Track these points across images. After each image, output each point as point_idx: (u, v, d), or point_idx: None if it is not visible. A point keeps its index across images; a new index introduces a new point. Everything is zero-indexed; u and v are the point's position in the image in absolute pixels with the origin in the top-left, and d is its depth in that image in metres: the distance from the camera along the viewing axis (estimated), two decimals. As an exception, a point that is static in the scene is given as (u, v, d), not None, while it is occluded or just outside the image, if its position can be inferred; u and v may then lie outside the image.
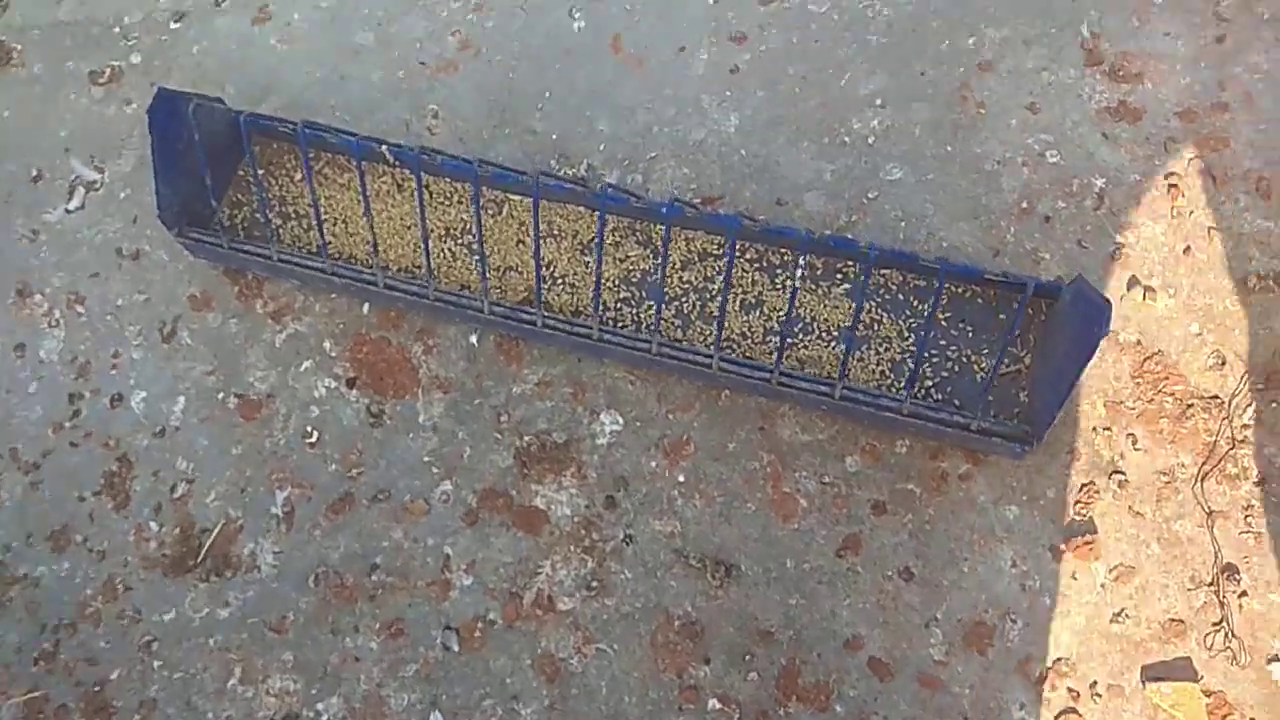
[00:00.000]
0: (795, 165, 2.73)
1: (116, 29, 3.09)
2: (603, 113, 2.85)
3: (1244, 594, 2.29)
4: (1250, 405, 2.40)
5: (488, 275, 2.61)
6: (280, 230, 2.78)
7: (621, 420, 2.57)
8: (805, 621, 2.39)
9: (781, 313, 2.57)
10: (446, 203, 2.77)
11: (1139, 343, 2.48)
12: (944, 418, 2.36)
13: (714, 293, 2.61)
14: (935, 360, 2.50)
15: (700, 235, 2.66)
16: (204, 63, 3.03)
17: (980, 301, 2.52)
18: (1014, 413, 2.43)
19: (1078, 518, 2.38)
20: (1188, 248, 2.53)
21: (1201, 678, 2.26)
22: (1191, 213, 2.56)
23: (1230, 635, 2.27)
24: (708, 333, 2.58)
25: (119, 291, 2.80)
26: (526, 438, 2.58)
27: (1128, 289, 2.52)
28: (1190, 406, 2.42)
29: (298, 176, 2.83)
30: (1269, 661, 2.25)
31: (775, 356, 2.41)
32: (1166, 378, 2.44)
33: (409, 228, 2.75)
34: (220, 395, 2.69)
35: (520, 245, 2.71)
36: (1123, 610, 2.32)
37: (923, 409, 2.37)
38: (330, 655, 2.47)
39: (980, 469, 2.43)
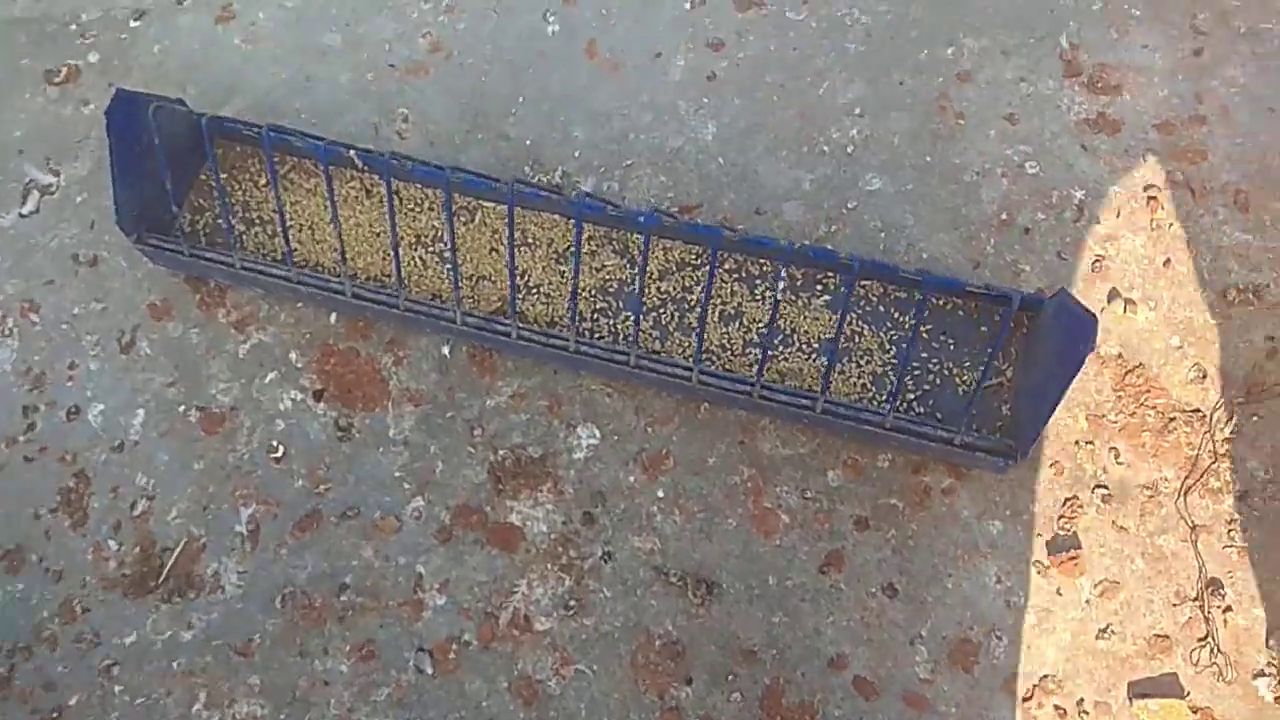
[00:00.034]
0: (774, 174, 2.69)
1: (73, 26, 2.99)
2: (578, 118, 2.80)
3: (1229, 609, 2.28)
4: (1232, 419, 2.40)
5: (460, 285, 2.55)
6: (244, 237, 2.71)
7: (599, 434, 2.52)
8: (788, 640, 2.35)
9: (761, 324, 2.54)
10: (417, 209, 2.70)
11: (1120, 355, 2.46)
12: (927, 432, 2.33)
13: (692, 303, 2.57)
14: (917, 373, 2.47)
15: (678, 245, 2.62)
16: (165, 62, 2.94)
17: (961, 314, 2.50)
18: (996, 426, 2.40)
19: (1062, 532, 2.36)
20: (1168, 260, 2.53)
21: (1188, 694, 2.24)
22: (1171, 225, 2.56)
23: (1216, 651, 2.26)
24: (686, 344, 2.53)
25: (75, 300, 2.71)
26: (501, 452, 2.52)
27: (1108, 301, 2.50)
28: (1172, 420, 2.41)
29: (262, 181, 2.76)
30: (1255, 677, 2.24)
31: (756, 370, 2.37)
32: (1148, 391, 2.43)
33: (378, 235, 2.68)
34: (181, 408, 2.61)
35: (494, 254, 2.65)
36: (1108, 626, 2.30)
37: (905, 423, 2.34)
38: (299, 679, 2.40)
39: (963, 483, 2.41)
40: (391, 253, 2.51)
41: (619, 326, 2.57)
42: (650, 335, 2.55)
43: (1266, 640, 2.26)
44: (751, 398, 2.39)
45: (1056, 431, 2.41)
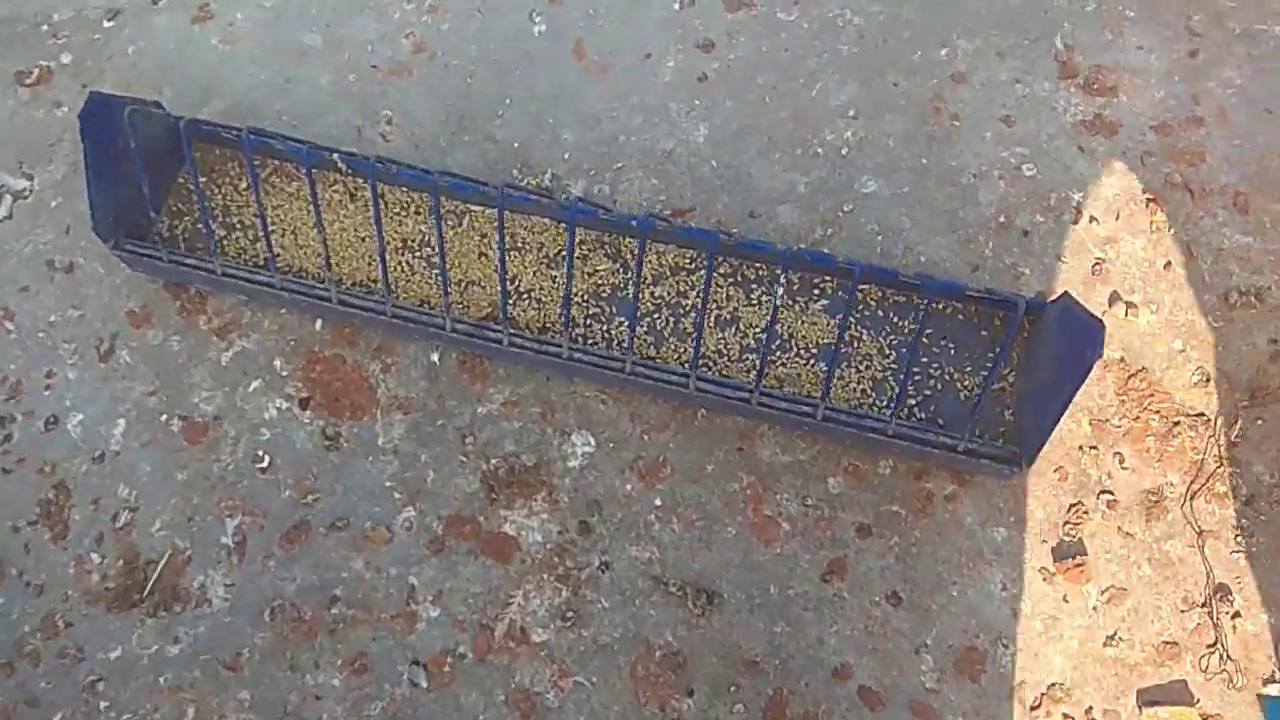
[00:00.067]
0: (768, 177, 2.65)
1: (45, 26, 2.91)
2: (566, 120, 2.75)
3: (1237, 615, 2.26)
4: (1236, 423, 2.38)
5: (449, 290, 2.49)
6: (224, 242, 2.64)
7: (594, 441, 2.47)
8: (791, 650, 2.31)
9: (757, 329, 2.49)
10: (403, 213, 2.64)
11: (1123, 360, 2.44)
12: (930, 438, 2.29)
13: (687, 308, 2.52)
14: (918, 378, 2.43)
15: (671, 249, 2.57)
16: (140, 63, 2.87)
17: (961, 318, 2.46)
18: (999, 431, 2.37)
19: (1067, 539, 2.33)
20: (1168, 263, 2.50)
21: (1198, 701, 2.22)
22: (1170, 228, 2.54)
23: (1225, 657, 2.24)
24: (682, 350, 2.49)
25: (52, 307, 2.63)
26: (494, 460, 2.47)
27: (1109, 305, 2.48)
28: (1176, 424, 2.39)
29: (243, 185, 2.69)
30: (1265, 683, 2.22)
31: (755, 376, 2.33)
32: (1152, 395, 2.41)
33: (363, 239, 2.62)
34: (163, 417, 2.54)
35: (483, 258, 2.60)
36: (1116, 633, 2.27)
37: (908, 430, 2.30)
38: (290, 694, 2.33)
39: (966, 490, 2.37)
40: (378, 258, 2.45)
41: (613, 332, 2.52)
42: (645, 341, 2.50)
43: (1276, 646, 2.24)
44: (750, 404, 2.34)
45: (1060, 437, 2.38)
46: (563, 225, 2.59)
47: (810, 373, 2.45)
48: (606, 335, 2.52)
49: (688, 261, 2.56)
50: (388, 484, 2.46)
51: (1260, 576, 2.28)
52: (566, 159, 2.71)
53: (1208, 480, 2.34)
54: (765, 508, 2.39)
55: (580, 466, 2.45)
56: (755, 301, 2.52)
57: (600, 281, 2.56)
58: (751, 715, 2.27)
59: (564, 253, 2.57)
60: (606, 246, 2.59)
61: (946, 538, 2.35)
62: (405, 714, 2.31)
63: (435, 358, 2.55)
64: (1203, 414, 2.39)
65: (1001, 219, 2.57)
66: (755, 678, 2.30)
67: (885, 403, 2.42)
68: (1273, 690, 2.21)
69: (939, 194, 2.61)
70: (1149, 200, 2.56)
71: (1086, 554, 2.31)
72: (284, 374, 2.55)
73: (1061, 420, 2.29)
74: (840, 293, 2.50)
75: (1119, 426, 2.40)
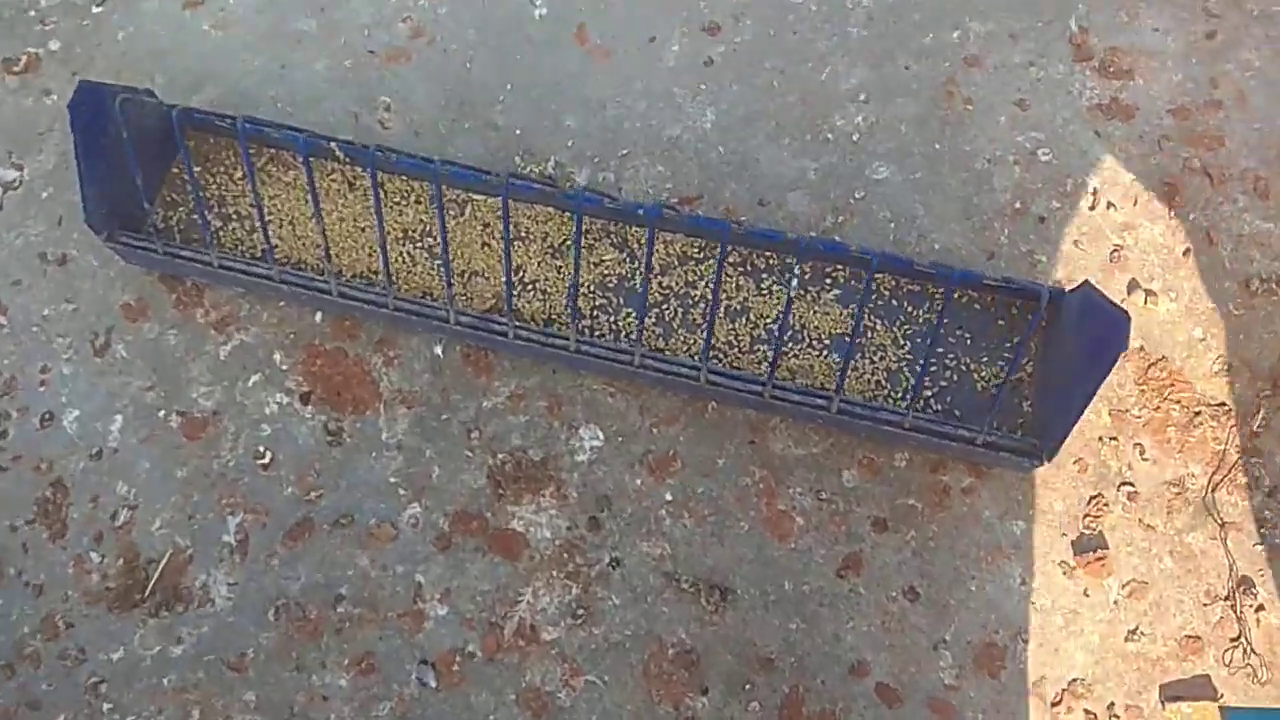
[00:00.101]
0: (776, 163, 2.60)
1: (32, 12, 2.83)
2: (569, 106, 2.69)
3: (1261, 608, 2.22)
4: (1259, 412, 2.34)
5: (453, 282, 2.43)
6: (220, 233, 2.58)
7: (602, 435, 2.42)
8: (807, 647, 2.26)
9: (768, 319, 2.44)
10: (403, 202, 2.58)
11: (1142, 349, 2.39)
12: (948, 431, 2.24)
13: (695, 299, 2.47)
14: (933, 369, 2.39)
15: (679, 237, 2.51)
16: (130, 50, 2.79)
17: (977, 307, 2.42)
18: (1017, 423, 2.33)
19: (1087, 532, 2.29)
20: (1187, 249, 2.46)
21: (1222, 696, 2.18)
22: (1189, 214, 2.49)
23: (1249, 651, 2.20)
24: (691, 341, 2.44)
25: (45, 300, 2.56)
26: (500, 455, 2.41)
27: (1128, 292, 2.43)
28: (1198, 414, 2.34)
29: (238, 174, 2.62)
30: (1289, 678, 2.19)
31: (768, 368, 2.28)
32: (1172, 385, 2.36)
33: (363, 229, 2.56)
34: (161, 413, 2.48)
35: (485, 248, 2.54)
36: (1138, 627, 2.23)
37: (926, 423, 2.26)
38: (296, 694, 2.28)
39: (984, 482, 2.33)
40: (379, 249, 2.39)
41: (620, 323, 2.46)
42: (653, 332, 2.45)
43: (1302, 640, 2.21)
44: (763, 398, 2.29)
45: (1080, 428, 2.31)
46: (567, 214, 2.53)
47: (823, 364, 2.40)
48: (614, 327, 2.46)
49: (696, 250, 2.51)
50: (392, 480, 2.41)
51: (1284, 569, 2.25)
52: (570, 146, 2.65)
53: (1230, 471, 2.30)
54: (778, 502, 2.35)
55: (589, 461, 2.40)
56: (765, 291, 2.46)
57: (607, 271, 2.50)
58: (767, 713, 2.23)
59: (568, 242, 2.52)
60: (612, 235, 2.53)
61: (964, 531, 2.30)
62: (414, 714, 2.26)
63: (439, 350, 2.49)
64: (1224, 403, 2.35)
65: (1017, 205, 2.52)
66: (770, 675, 2.25)
67: (900, 394, 2.37)
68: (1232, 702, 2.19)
69: (953, 180, 2.56)
70: (1167, 185, 2.51)
71: (1107, 547, 2.27)
72: (284, 368, 2.49)
73: (1083, 412, 2.26)
74: (853, 281, 2.45)
75: (1139, 417, 2.35)
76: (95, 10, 2.84)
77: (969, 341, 2.39)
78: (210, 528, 2.39)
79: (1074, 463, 2.33)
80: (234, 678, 2.30)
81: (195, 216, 2.57)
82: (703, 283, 2.48)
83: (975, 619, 2.26)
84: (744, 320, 2.44)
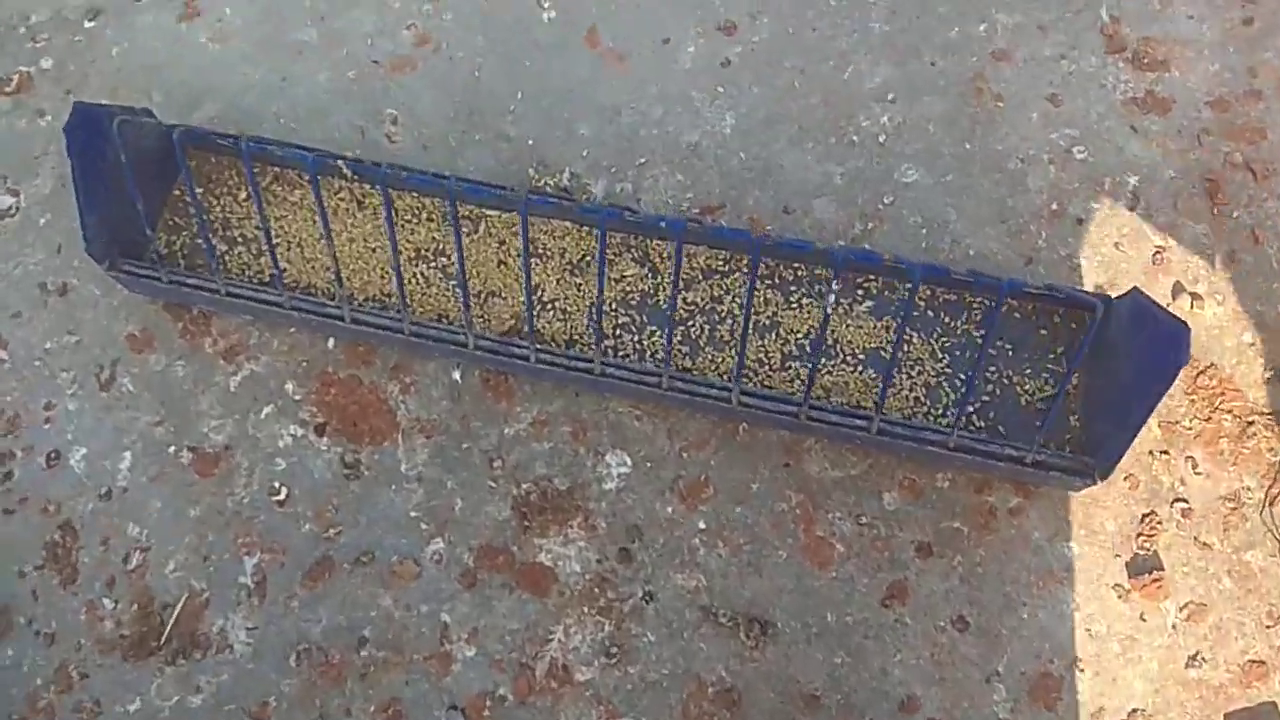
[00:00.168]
0: (801, 168, 2.50)
1: (22, 29, 2.72)
2: (583, 114, 2.58)
3: (1324, 628, 2.14)
4: (1315, 421, 2.25)
5: (470, 304, 2.33)
6: (226, 258, 2.48)
7: (630, 461, 2.33)
8: (853, 682, 2.18)
9: (799, 335, 2.34)
10: (414, 220, 2.48)
11: (1190, 356, 2.30)
12: (995, 450, 2.15)
13: (722, 314, 2.37)
14: (975, 383, 2.29)
15: (702, 250, 2.42)
16: (125, 66, 2.69)
17: (1018, 316, 2.32)
18: (1065, 439, 2.23)
19: (1141, 552, 2.20)
20: (1232, 250, 2.36)
21: (1287, 724, 2.11)
22: (1233, 211, 2.39)
23: (1315, 676, 2.12)
24: (719, 359, 2.34)
25: (46, 333, 2.47)
26: (525, 485, 2.32)
27: (1173, 297, 2.34)
28: (1251, 424, 2.25)
29: (242, 195, 2.52)
30: (1357, 701, 2.11)
31: (801, 387, 2.19)
32: (1223, 393, 2.27)
33: (374, 250, 2.46)
34: (171, 449, 2.38)
35: (502, 267, 2.44)
36: (1198, 653, 2.15)
37: (971, 442, 2.16)
38: (321, 745, 2.21)
39: (1031, 502, 2.24)
40: (392, 270, 2.29)
41: (645, 342, 2.37)
42: (679, 351, 2.36)
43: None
44: (798, 419, 2.20)
45: (1129, 442, 2.25)
46: (585, 229, 2.43)
47: (858, 380, 2.31)
48: (638, 346, 2.37)
49: (720, 263, 2.41)
50: (413, 514, 2.32)
51: (1347, 585, 2.16)
52: (585, 156, 2.55)
53: (1286, 484, 2.22)
54: (817, 528, 2.26)
55: (617, 489, 2.31)
56: (795, 305, 2.37)
57: (629, 288, 2.41)
58: (813, 751, 2.15)
59: (587, 258, 2.42)
60: (633, 250, 2.43)
61: (1013, 555, 2.22)
62: (445, 762, 2.19)
63: (457, 376, 2.40)
64: (1277, 412, 2.26)
65: (1053, 206, 2.42)
66: (816, 713, 2.17)
67: (940, 410, 2.28)
68: None
69: (985, 181, 2.46)
70: (1209, 182, 2.41)
71: (1163, 568, 2.19)
72: (297, 398, 2.40)
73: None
74: (886, 292, 2.36)
75: (1190, 428, 2.26)
76: (88, 25, 2.73)
77: (1010, 353, 2.30)
78: (226, 569, 2.31)
79: (1124, 479, 2.24)
80: (257, 728, 2.22)
81: (199, 241, 2.48)
82: (729, 297, 2.38)
83: (1028, 648, 2.17)
84: (773, 336, 2.35)
